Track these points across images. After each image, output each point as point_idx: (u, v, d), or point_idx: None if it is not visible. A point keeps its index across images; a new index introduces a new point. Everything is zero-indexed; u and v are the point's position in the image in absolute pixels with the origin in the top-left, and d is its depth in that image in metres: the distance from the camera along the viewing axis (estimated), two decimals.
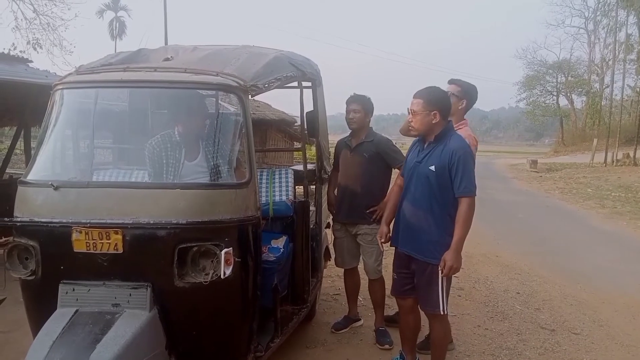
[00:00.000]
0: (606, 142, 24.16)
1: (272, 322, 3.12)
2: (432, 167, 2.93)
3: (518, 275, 5.95)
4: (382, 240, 3.30)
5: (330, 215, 4.25)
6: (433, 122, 2.95)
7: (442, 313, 3.04)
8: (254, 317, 2.72)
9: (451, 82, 3.60)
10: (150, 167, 2.91)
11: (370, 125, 4.01)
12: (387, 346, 3.83)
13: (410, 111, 3.03)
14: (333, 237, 4.18)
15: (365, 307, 4.54)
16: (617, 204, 11.87)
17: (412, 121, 3.02)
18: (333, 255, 4.29)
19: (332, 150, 4.43)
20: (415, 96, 3.02)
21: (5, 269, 2.56)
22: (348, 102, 3.94)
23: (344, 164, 4.00)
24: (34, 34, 15.94)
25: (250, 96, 2.77)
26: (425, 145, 3.05)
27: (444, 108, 2.99)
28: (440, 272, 2.92)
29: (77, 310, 2.40)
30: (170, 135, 2.95)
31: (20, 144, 8.21)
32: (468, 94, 3.57)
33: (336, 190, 4.11)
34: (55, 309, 2.44)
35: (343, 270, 4.21)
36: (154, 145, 2.90)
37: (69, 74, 2.98)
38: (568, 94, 41.02)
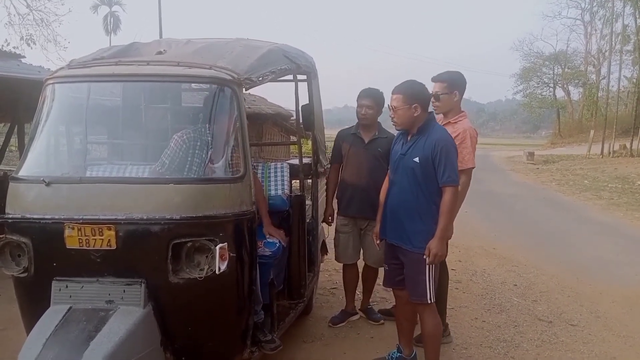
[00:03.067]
0: (603, 133, 24.20)
1: (268, 317, 3.10)
2: (417, 159, 2.97)
3: (515, 268, 5.95)
4: (378, 241, 3.35)
5: (335, 209, 4.16)
6: (415, 115, 3.01)
7: (429, 302, 3.04)
8: (250, 312, 2.70)
9: (434, 80, 3.56)
10: (168, 158, 2.67)
11: (378, 120, 3.97)
12: (381, 321, 4.06)
13: (391, 107, 3.06)
14: (335, 231, 4.12)
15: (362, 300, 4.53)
16: (613, 195, 11.90)
17: (394, 117, 3.06)
18: (330, 250, 4.26)
19: (330, 144, 4.33)
20: (394, 92, 3.06)
21: None
22: (360, 97, 3.89)
23: (355, 158, 3.91)
24: (28, 30, 15.83)
25: (244, 89, 2.74)
26: (409, 138, 3.09)
27: (423, 100, 3.05)
28: (426, 259, 2.95)
29: (70, 308, 2.38)
30: (202, 132, 2.76)
31: (14, 141, 8.18)
32: (456, 85, 3.53)
33: (340, 184, 4.03)
34: (49, 306, 2.42)
35: (342, 264, 4.18)
36: (184, 140, 2.69)
37: (61, 69, 2.95)
38: (565, 86, 41.03)
